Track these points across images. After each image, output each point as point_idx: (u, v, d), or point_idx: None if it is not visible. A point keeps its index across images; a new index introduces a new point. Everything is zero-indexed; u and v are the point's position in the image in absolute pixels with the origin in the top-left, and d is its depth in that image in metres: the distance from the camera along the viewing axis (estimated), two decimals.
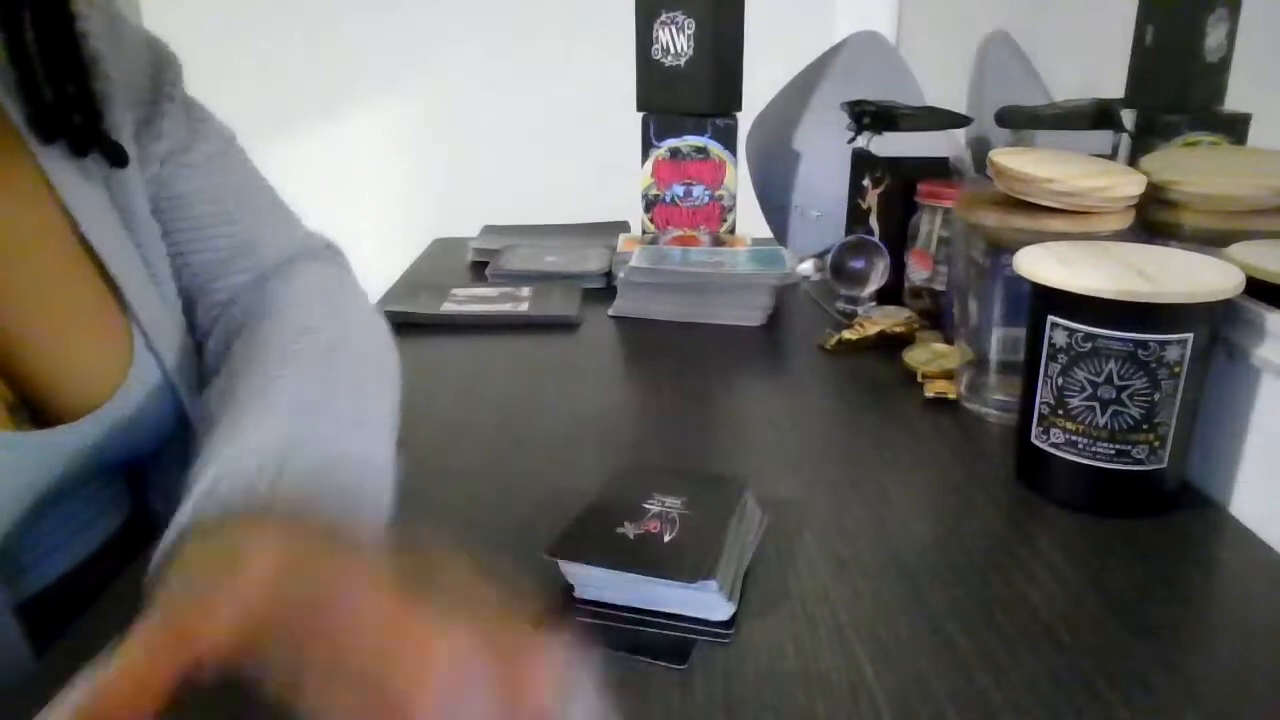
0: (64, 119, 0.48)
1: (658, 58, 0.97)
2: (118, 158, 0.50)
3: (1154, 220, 0.62)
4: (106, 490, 0.53)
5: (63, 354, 0.48)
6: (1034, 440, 0.52)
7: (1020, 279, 0.51)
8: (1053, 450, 0.51)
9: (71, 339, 0.49)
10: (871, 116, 0.87)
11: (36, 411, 0.47)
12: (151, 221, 0.54)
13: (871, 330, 0.76)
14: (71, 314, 0.49)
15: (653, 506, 0.45)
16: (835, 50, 1.08)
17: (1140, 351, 0.47)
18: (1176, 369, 0.47)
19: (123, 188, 0.52)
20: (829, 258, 0.84)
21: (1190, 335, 0.46)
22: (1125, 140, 0.89)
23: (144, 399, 0.51)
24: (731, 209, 1.01)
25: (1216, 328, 0.48)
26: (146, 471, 0.55)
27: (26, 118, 0.47)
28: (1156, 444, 0.48)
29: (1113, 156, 0.86)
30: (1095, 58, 1.10)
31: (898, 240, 0.82)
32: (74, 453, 0.48)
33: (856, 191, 0.91)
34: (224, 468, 0.37)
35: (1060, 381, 0.49)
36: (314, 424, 0.41)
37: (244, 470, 0.37)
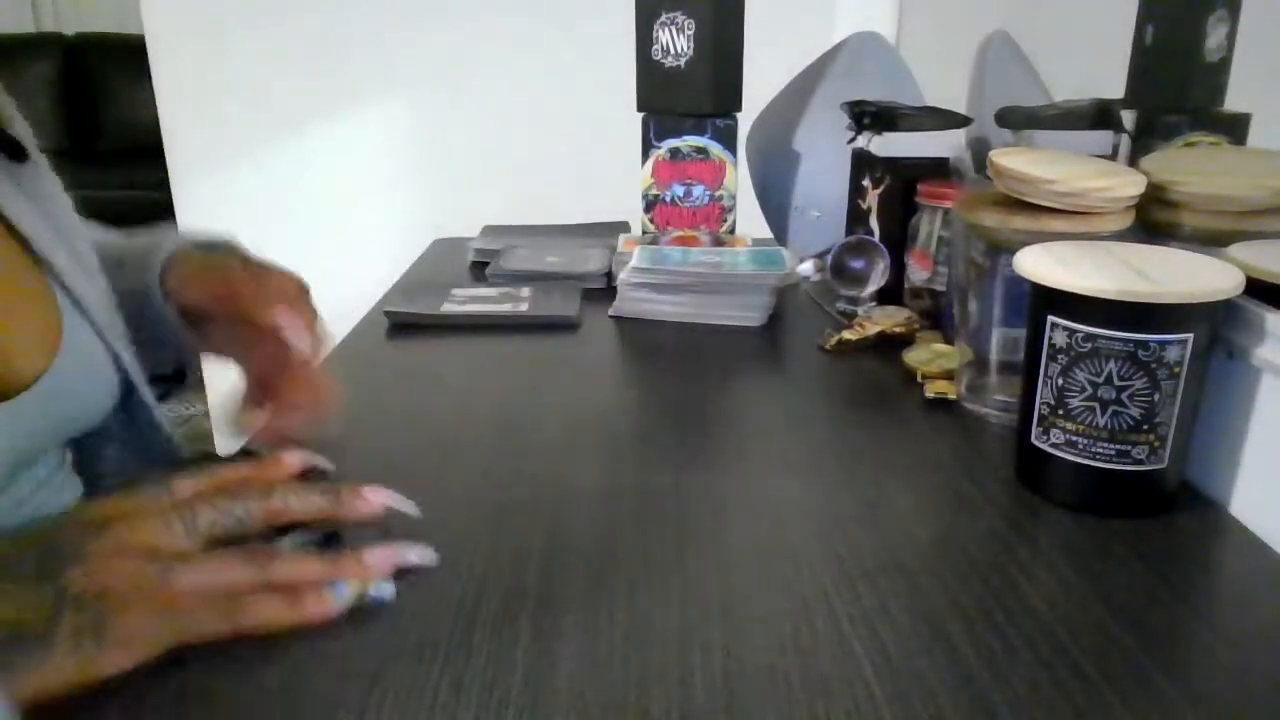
0: None
1: (658, 58, 0.97)
2: (15, 152, 0.53)
3: (1154, 220, 0.62)
4: (58, 473, 0.54)
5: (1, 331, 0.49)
6: (1034, 440, 0.52)
7: (1020, 279, 0.51)
8: (1053, 450, 0.51)
9: (5, 314, 0.50)
10: (871, 116, 0.88)
11: None
12: (71, 214, 0.58)
13: (871, 330, 0.76)
14: (3, 291, 0.51)
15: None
16: (835, 50, 1.08)
17: (1140, 352, 0.47)
18: (1176, 369, 0.47)
19: (33, 183, 0.55)
20: (829, 258, 0.84)
21: (1190, 335, 0.46)
22: (1125, 140, 0.89)
23: (81, 359, 0.53)
24: (731, 209, 1.01)
25: (1216, 328, 0.48)
26: (96, 451, 0.56)
27: None
28: (1156, 444, 0.48)
29: (1113, 157, 0.86)
30: (1095, 58, 1.10)
31: (898, 240, 0.82)
32: (22, 428, 0.49)
33: (856, 192, 0.91)
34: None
35: (1060, 382, 0.49)
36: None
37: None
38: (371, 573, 0.42)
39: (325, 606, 0.39)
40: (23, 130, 0.56)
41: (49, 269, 0.53)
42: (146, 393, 0.59)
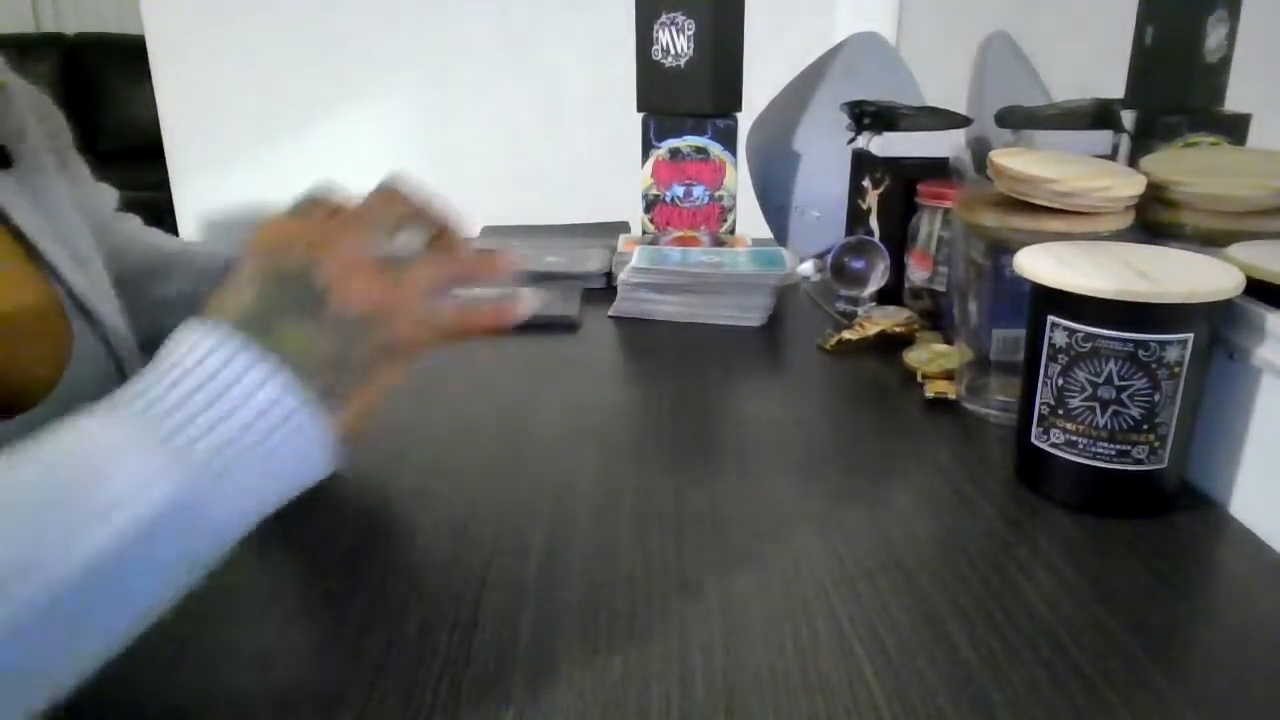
0: None
1: (658, 58, 0.97)
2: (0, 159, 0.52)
3: (1154, 220, 0.62)
4: None
5: (8, 341, 0.49)
6: (1034, 440, 0.52)
7: (1020, 279, 0.51)
8: (1053, 450, 0.51)
9: (14, 326, 0.50)
10: (871, 117, 0.88)
11: None
12: (75, 215, 0.57)
13: (871, 330, 0.76)
14: (10, 302, 0.50)
15: None
16: (835, 50, 1.08)
17: (1140, 352, 0.47)
18: (1176, 369, 0.47)
19: (38, 187, 0.54)
20: (829, 258, 0.84)
21: (1190, 335, 0.46)
22: (1125, 140, 0.89)
23: (90, 368, 0.53)
24: (731, 209, 1.01)
25: (1216, 328, 0.48)
26: None
27: None
28: (1156, 444, 0.48)
29: (1113, 157, 0.86)
30: (1095, 58, 1.10)
31: (898, 241, 0.82)
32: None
33: (856, 192, 0.91)
34: None
35: (1060, 382, 0.49)
36: None
37: None
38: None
39: (518, 313, 0.43)
40: (17, 130, 0.55)
41: (53, 274, 0.52)
42: None
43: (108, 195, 0.69)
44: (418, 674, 0.37)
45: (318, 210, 0.40)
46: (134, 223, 0.71)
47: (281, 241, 0.37)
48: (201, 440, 0.31)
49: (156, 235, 0.72)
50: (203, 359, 0.32)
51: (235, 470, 0.31)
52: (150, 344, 0.68)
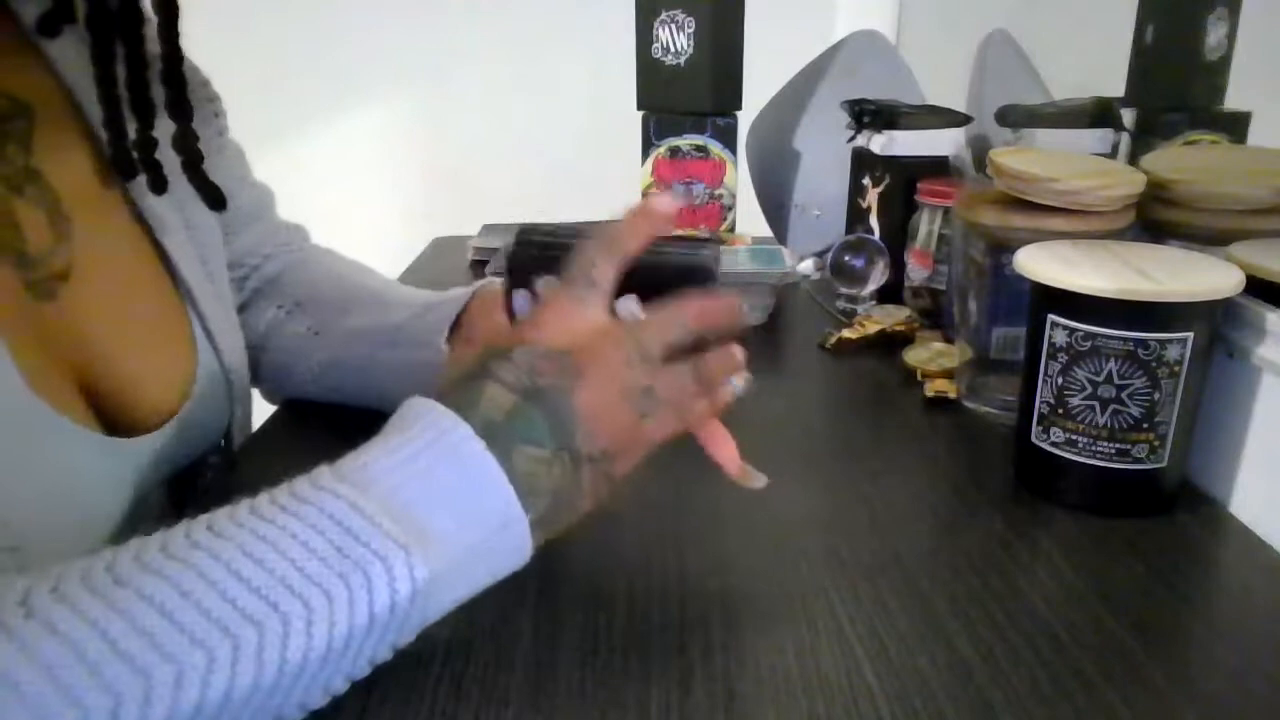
0: (145, 157, 0.49)
1: (658, 57, 0.97)
2: (217, 201, 0.52)
3: (1154, 220, 0.62)
4: (156, 508, 0.53)
5: (138, 363, 0.49)
6: (1034, 440, 0.52)
7: (1020, 278, 0.51)
8: (1053, 450, 0.51)
9: (146, 347, 0.50)
10: (871, 115, 0.87)
11: (108, 422, 0.47)
12: (214, 229, 0.57)
13: (871, 329, 0.76)
14: (146, 322, 0.50)
15: None
16: (835, 50, 1.08)
17: (1140, 351, 0.47)
18: (1176, 368, 0.47)
19: (188, 206, 0.53)
20: (829, 257, 0.83)
21: (1190, 334, 0.46)
22: (1125, 139, 0.89)
23: (208, 399, 0.52)
24: (731, 208, 1.01)
25: (1216, 327, 0.48)
26: (191, 483, 0.55)
27: (111, 154, 0.48)
28: (1156, 443, 0.48)
29: (1113, 155, 0.86)
30: (1095, 57, 1.10)
31: (898, 239, 0.82)
32: (155, 460, 0.48)
33: (856, 190, 0.91)
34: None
35: (1060, 381, 0.49)
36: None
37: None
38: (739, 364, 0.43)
39: (729, 397, 0.44)
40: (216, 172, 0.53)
41: (190, 299, 0.52)
42: (249, 425, 0.59)
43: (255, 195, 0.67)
44: (417, 674, 0.37)
45: (592, 293, 0.41)
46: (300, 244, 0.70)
47: (550, 346, 0.38)
48: (443, 542, 0.34)
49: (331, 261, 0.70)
50: (447, 459, 0.35)
51: (458, 572, 0.35)
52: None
